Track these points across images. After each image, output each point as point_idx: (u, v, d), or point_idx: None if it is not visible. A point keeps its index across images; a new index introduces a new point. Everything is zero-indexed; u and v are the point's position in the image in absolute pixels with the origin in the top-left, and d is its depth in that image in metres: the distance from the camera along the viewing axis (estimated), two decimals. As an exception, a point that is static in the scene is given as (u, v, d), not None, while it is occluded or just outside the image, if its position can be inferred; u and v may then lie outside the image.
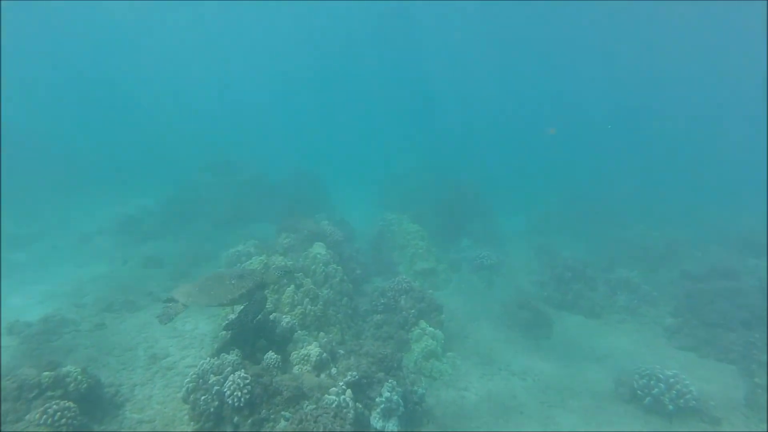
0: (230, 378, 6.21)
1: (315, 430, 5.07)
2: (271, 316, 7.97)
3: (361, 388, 7.34)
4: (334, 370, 7.47)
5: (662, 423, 8.39)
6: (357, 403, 7.00)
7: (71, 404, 5.86)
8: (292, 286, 9.39)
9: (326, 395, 6.62)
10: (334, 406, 6.38)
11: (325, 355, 7.48)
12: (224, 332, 8.26)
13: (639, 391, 8.70)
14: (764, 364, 9.89)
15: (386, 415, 7.07)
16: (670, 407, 8.35)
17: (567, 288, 14.00)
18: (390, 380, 7.44)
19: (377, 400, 7.14)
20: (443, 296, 13.86)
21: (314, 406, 6.29)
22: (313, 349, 7.40)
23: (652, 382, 8.65)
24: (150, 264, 14.48)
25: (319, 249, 11.55)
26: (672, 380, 8.62)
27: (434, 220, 19.48)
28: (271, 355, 6.87)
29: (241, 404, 6.00)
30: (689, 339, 11.29)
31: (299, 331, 8.12)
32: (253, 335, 7.39)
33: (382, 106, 62.23)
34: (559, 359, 10.82)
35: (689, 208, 24.01)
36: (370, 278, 14.69)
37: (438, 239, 17.98)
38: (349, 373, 7.26)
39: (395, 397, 7.10)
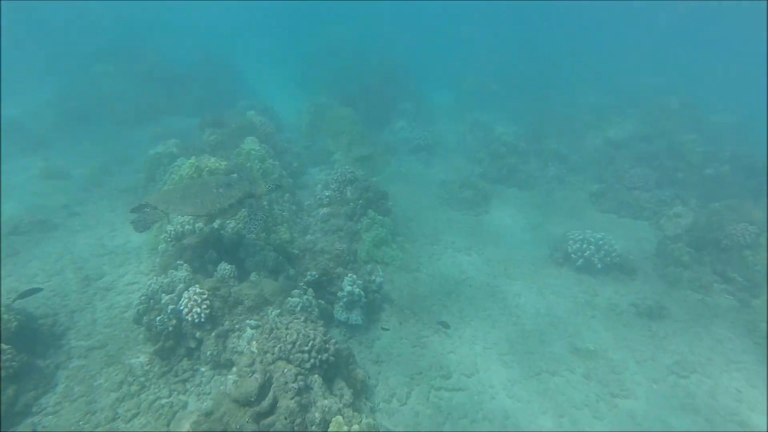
0: (185, 295, 5.83)
1: (289, 338, 4.97)
2: (215, 224, 7.37)
3: (322, 285, 7.34)
4: (292, 272, 7.31)
5: (591, 279, 9.50)
6: (320, 300, 7.05)
7: (4, 346, 5.24)
8: (231, 189, 8.64)
9: (289, 298, 6.53)
10: (299, 308, 6.33)
11: (280, 258, 7.23)
12: (164, 245, 7.63)
13: (573, 255, 9.59)
14: (671, 218, 11.24)
15: (349, 307, 7.22)
16: (599, 266, 9.37)
17: (502, 163, 14.43)
18: (349, 274, 7.47)
19: (339, 294, 7.21)
20: (383, 181, 13.74)
21: (279, 311, 6.19)
22: (268, 254, 7.08)
23: (584, 246, 9.53)
24: (52, 175, 12.63)
25: (251, 144, 10.59)
26: (601, 242, 9.55)
27: (365, 103, 18.38)
28: (224, 266, 6.48)
29: (202, 320, 5.73)
30: (612, 202, 12.41)
31: (247, 236, 7.67)
32: (200, 247, 6.86)
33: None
34: (498, 232, 11.51)
35: (612, 77, 24.61)
36: (307, 170, 14.12)
37: (371, 122, 17.25)
38: (309, 273, 7.15)
39: (356, 290, 7.19)
